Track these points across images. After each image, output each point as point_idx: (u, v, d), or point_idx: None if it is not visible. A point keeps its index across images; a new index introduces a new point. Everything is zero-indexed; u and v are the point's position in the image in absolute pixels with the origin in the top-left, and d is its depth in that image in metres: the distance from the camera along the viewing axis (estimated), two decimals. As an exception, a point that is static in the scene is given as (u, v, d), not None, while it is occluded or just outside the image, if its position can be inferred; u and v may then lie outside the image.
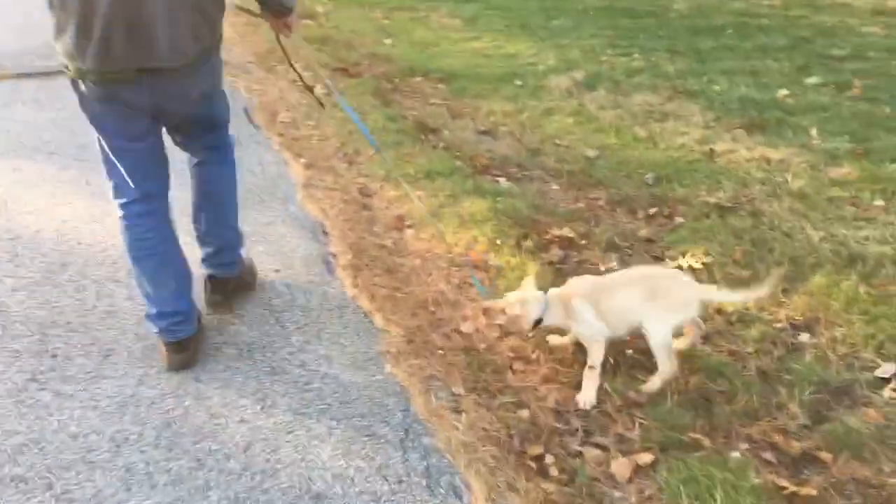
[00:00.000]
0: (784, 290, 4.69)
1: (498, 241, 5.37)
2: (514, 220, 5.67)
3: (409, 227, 5.73)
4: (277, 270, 5.03)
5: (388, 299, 4.75)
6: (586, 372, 3.87)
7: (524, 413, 3.77)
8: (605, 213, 5.92)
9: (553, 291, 4.09)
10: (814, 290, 4.68)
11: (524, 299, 4.02)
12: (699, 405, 3.76)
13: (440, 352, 4.22)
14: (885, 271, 4.81)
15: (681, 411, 3.69)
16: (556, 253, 5.33)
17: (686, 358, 4.00)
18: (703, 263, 5.08)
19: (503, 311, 4.04)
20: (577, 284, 4.11)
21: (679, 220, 5.70)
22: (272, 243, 5.38)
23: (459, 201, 5.96)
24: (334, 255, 5.25)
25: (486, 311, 4.27)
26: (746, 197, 5.93)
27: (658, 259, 5.25)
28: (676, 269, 4.55)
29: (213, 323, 4.43)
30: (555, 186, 6.39)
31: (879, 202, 5.78)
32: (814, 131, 7.14)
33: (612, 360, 4.03)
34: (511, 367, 4.11)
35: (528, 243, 5.34)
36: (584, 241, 5.49)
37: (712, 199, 5.88)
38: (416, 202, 5.81)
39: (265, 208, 5.90)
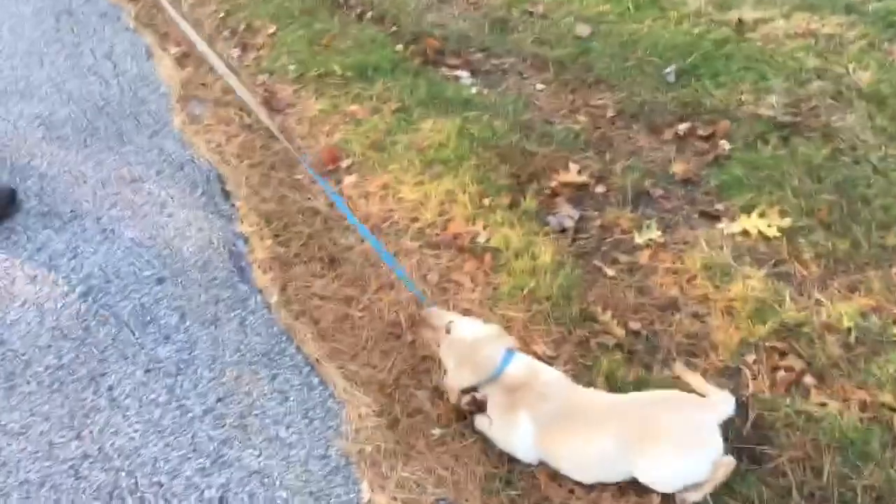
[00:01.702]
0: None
1: (485, 201, 3.65)
2: (498, 154, 3.94)
3: (348, 169, 3.90)
4: (157, 278, 3.22)
5: (341, 334, 3.07)
6: None
7: None
8: (619, 132, 4.23)
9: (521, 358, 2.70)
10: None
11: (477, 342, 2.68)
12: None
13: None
14: None
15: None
16: (566, 213, 3.68)
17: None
18: (779, 229, 3.54)
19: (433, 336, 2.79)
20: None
21: (724, 145, 4.07)
22: (140, 219, 3.52)
23: (413, 119, 4.15)
24: (246, 239, 3.44)
25: (419, 324, 2.98)
26: (807, 104, 4.31)
27: (713, 219, 3.67)
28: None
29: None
30: (540, 86, 4.59)
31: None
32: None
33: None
34: None
35: (529, 201, 3.65)
36: (601, 189, 3.84)
37: (763, 111, 4.25)
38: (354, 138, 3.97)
39: (123, 147, 3.94)
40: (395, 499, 2.54)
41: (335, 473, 2.60)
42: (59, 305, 3.11)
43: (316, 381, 2.90)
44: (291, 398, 2.83)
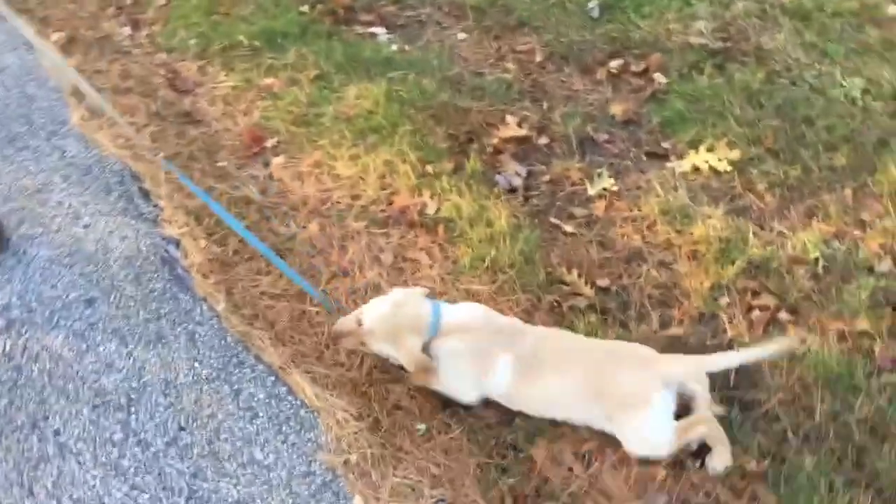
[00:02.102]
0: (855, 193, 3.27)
1: (428, 168, 3.45)
2: (432, 116, 3.73)
3: (275, 149, 3.62)
4: (85, 300, 2.92)
5: (301, 334, 2.86)
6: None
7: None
8: (551, 76, 4.07)
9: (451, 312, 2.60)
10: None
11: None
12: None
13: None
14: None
15: None
16: (513, 170, 3.52)
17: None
18: (729, 162, 3.47)
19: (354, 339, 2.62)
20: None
21: (659, 78, 3.97)
22: (53, 234, 3.19)
23: (334, 86, 3.90)
24: (177, 243, 3.16)
25: (335, 340, 2.74)
26: (735, 27, 4.23)
27: (661, 159, 3.57)
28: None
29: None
30: (461, 35, 4.37)
31: None
32: None
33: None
34: None
35: (473, 162, 3.47)
36: (544, 140, 3.68)
37: (693, 38, 4.15)
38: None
39: (18, 154, 3.55)
40: (392, 509, 2.38)
41: (323, 490, 2.42)
42: (-21, 345, 2.79)
43: (283, 390, 2.68)
44: (261, 414, 2.61)
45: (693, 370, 2.48)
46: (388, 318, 2.54)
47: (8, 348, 2.77)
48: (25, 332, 2.81)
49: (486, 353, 2.53)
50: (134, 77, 4.05)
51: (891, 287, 2.98)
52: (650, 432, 2.43)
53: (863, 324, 2.85)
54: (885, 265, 3.05)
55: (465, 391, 2.57)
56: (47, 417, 2.59)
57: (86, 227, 3.23)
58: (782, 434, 2.60)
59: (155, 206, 3.36)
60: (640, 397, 2.41)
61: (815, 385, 2.70)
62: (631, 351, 2.58)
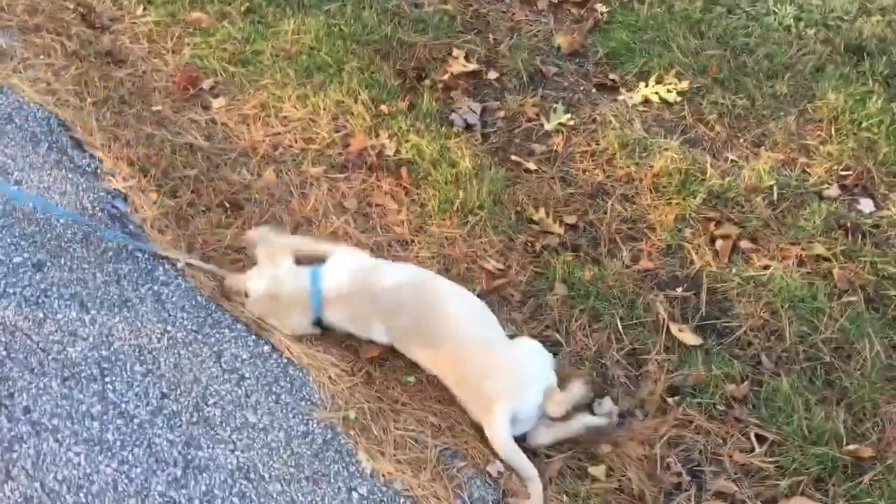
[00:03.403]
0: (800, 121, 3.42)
1: (382, 108, 3.34)
2: (376, 51, 3.60)
3: (212, 91, 3.41)
4: (32, 263, 2.70)
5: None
6: None
7: None
8: (492, 7, 4.00)
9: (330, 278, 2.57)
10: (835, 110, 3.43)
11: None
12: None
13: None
14: None
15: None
16: (467, 107, 3.46)
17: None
18: (679, 93, 3.52)
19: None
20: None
21: (600, 8, 3.95)
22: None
23: (269, 21, 3.71)
24: (125, 196, 2.95)
25: (224, 295, 2.71)
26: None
27: (612, 91, 3.59)
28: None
29: None
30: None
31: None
32: None
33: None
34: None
35: (427, 101, 3.38)
36: (494, 75, 3.63)
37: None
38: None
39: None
40: (398, 461, 2.36)
41: (325, 449, 2.37)
42: (-79, 322, 2.53)
43: (267, 349, 2.59)
44: (247, 376, 2.51)
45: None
46: (267, 301, 2.56)
47: (-46, 322, 2.53)
48: (-29, 303, 2.57)
49: (365, 321, 2.53)
50: (42, 13, 3.67)
51: (839, 211, 3.13)
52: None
53: (819, 248, 2.99)
54: (833, 190, 3.20)
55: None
56: (13, 394, 2.39)
57: (17, 183, 2.95)
58: (756, 359, 2.73)
59: (91, 157, 3.10)
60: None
61: (782, 309, 2.83)
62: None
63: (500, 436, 2.35)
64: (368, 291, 2.51)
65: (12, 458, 2.26)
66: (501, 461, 2.39)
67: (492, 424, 2.36)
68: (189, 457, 2.31)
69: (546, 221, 3.05)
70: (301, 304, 2.54)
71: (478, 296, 2.66)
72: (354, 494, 2.30)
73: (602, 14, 3.92)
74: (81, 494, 2.21)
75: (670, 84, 3.53)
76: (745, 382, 2.63)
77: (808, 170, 3.28)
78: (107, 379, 2.45)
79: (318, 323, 2.58)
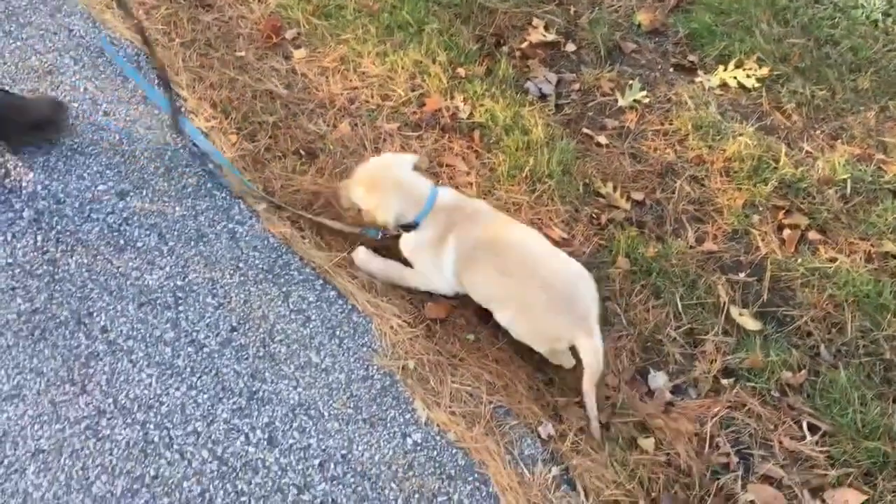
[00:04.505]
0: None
1: (459, 71, 3.37)
2: (457, 15, 3.65)
3: (294, 41, 3.48)
4: (116, 192, 2.80)
5: (343, 249, 2.82)
6: None
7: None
8: (574, -22, 3.94)
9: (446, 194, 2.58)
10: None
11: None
12: None
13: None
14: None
15: None
16: (543, 77, 3.47)
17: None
18: (758, 79, 3.49)
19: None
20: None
21: (683, -11, 3.90)
22: (71, 119, 3.01)
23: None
24: (205, 135, 3.04)
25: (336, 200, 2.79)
26: (760, -62, 4.15)
27: (690, 72, 3.57)
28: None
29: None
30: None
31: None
32: None
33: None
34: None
35: (504, 67, 3.40)
36: (572, 47, 3.63)
37: (719, -52, 4.05)
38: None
39: (21, 30, 3.32)
40: (453, 413, 2.43)
41: (383, 395, 2.45)
42: (8, 237, 2.65)
43: (333, 294, 2.66)
44: (313, 318, 2.60)
45: None
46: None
47: (40, 241, 2.65)
48: (57, 224, 2.69)
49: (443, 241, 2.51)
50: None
51: (914, 211, 3.09)
52: None
53: (889, 245, 2.96)
54: (908, 189, 3.15)
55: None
56: (92, 314, 2.51)
57: (106, 114, 3.06)
58: (815, 349, 2.73)
59: (176, 96, 3.19)
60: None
61: (846, 303, 2.82)
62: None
63: (601, 358, 2.36)
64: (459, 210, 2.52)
65: (88, 374, 2.38)
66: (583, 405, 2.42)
67: (596, 348, 2.36)
68: (254, 388, 2.40)
69: (613, 196, 3.06)
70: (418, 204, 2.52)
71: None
72: (409, 440, 2.37)
73: (685, -6, 3.88)
74: (151, 413, 2.32)
75: (750, 69, 3.49)
76: (803, 371, 2.62)
77: (883, 167, 3.23)
78: (180, 307, 2.55)
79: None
